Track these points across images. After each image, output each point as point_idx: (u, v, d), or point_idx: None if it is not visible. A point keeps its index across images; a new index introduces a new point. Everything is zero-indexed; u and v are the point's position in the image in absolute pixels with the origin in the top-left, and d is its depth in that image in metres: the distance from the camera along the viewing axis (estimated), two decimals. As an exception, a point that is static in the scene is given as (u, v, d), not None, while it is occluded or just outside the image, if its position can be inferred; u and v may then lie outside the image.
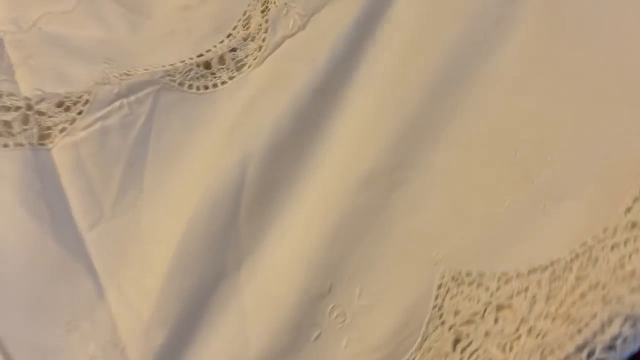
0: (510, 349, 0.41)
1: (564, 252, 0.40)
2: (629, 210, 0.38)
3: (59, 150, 0.47)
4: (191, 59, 0.50)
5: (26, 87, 0.48)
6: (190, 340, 0.43)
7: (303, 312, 0.44)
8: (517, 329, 0.41)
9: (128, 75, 0.51)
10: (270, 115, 0.47)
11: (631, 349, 0.38)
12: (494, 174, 0.44)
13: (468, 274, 0.43)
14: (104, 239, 0.46)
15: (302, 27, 0.50)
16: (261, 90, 0.49)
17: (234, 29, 0.51)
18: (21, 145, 0.46)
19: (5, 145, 0.45)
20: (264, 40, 0.51)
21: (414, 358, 0.44)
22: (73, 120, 0.47)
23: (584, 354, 0.38)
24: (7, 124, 0.46)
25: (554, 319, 0.40)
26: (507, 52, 0.47)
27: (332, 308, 0.44)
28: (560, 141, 0.44)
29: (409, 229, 0.45)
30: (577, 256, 0.40)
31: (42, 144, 0.47)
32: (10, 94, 0.46)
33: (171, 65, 0.51)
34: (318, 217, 0.47)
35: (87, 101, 0.48)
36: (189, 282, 0.44)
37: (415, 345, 0.44)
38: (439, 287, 0.44)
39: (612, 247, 0.38)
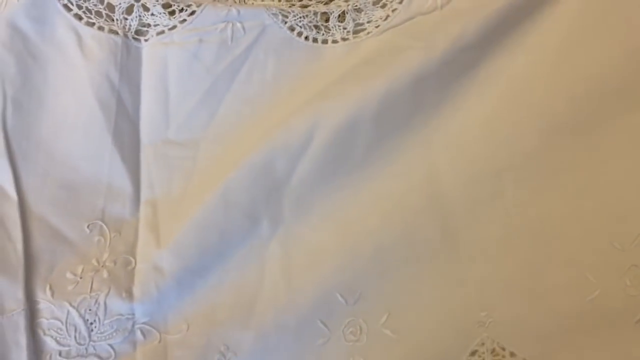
0: None
1: None
2: None
3: (150, 52, 0.45)
4: (310, 1, 0.45)
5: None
6: (199, 281, 0.40)
7: (320, 311, 0.39)
8: None
9: (245, 1, 0.47)
10: (361, 89, 0.41)
11: None
12: (594, 255, 0.35)
13: (512, 355, 0.35)
14: (159, 155, 0.44)
15: (441, 7, 0.43)
16: (366, 62, 0.43)
17: None
18: (116, 33, 0.44)
19: (101, 28, 0.44)
20: (394, 10, 0.45)
21: None
22: (173, 27, 0.45)
23: None
24: (111, 8, 0.44)
25: None
26: None
27: (350, 321, 0.39)
28: None
29: (468, 275, 0.38)
30: None
31: (136, 40, 0.45)
32: None
33: (290, 2, 0.47)
34: (374, 219, 0.40)
35: (193, 12, 0.45)
36: (216, 228, 0.41)
37: None
38: (473, 353, 0.36)
39: None
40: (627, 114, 0.38)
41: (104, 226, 0.41)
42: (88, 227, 0.41)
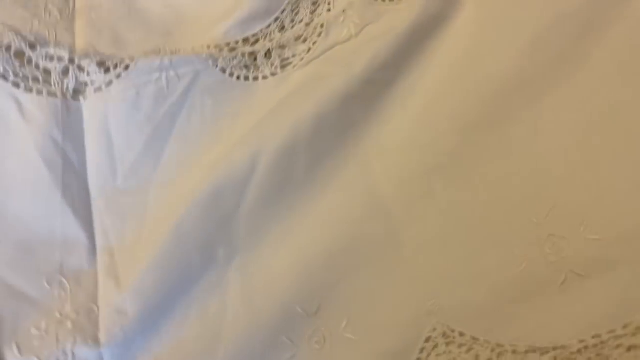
0: None
1: (571, 339, 0.34)
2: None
3: (90, 108, 0.47)
4: (237, 43, 0.49)
5: (80, 40, 0.49)
6: (162, 319, 0.41)
7: (284, 326, 0.41)
8: None
9: (176, 51, 0.51)
10: (294, 116, 0.44)
11: None
12: (517, 232, 0.38)
13: (461, 335, 0.38)
14: (110, 204, 0.45)
15: (355, 35, 0.47)
16: (296, 92, 0.47)
17: (282, 12, 0.49)
18: (55, 96, 0.46)
19: (39, 93, 0.46)
20: (314, 43, 0.49)
21: None
22: (110, 83, 0.47)
23: None
24: (47, 72, 0.46)
25: None
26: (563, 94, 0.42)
27: (314, 331, 0.41)
28: (603, 211, 0.38)
29: (413, 267, 0.41)
30: (585, 348, 0.34)
31: (75, 99, 0.47)
32: (59, 44, 0.47)
33: (218, 48, 0.50)
34: (323, 233, 0.43)
35: (127, 67, 0.48)
36: (176, 265, 0.42)
37: None
38: (427, 340, 0.39)
39: (630, 349, 0.32)
40: (528, 106, 0.42)
41: (63, 280, 0.42)
42: (47, 282, 0.42)
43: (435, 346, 0.39)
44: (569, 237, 0.37)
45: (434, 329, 0.39)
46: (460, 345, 0.38)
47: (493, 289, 0.38)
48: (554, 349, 0.35)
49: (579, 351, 0.34)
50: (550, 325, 0.36)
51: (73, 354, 0.40)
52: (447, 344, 0.39)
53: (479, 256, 0.39)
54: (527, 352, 0.36)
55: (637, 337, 0.32)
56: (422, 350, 0.39)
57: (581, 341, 0.34)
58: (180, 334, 0.41)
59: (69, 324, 0.41)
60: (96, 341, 0.41)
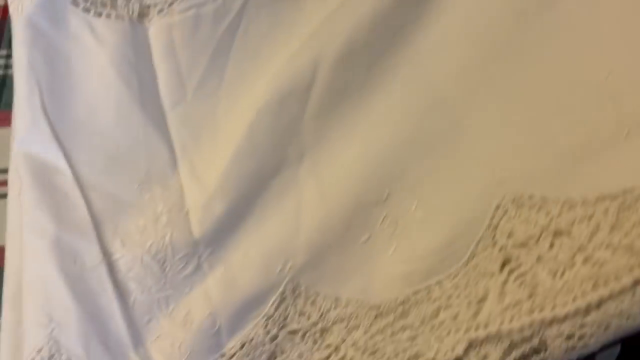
0: (562, 275, 0.38)
1: (639, 181, 0.36)
2: None
3: (155, 29, 0.50)
4: None
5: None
6: (246, 216, 0.45)
7: (356, 215, 0.44)
8: (573, 257, 0.38)
9: None
10: (350, 19, 0.46)
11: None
12: (579, 96, 0.40)
13: (530, 197, 0.40)
14: (183, 118, 0.49)
15: None
16: None
17: None
18: (122, 18, 0.49)
19: (108, 16, 0.49)
20: None
21: (458, 273, 0.42)
22: (171, 3, 0.50)
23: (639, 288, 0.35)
24: None
25: (615, 250, 0.36)
26: None
27: (385, 216, 0.44)
28: None
29: (478, 149, 0.43)
30: None
31: (140, 21, 0.50)
32: None
33: None
34: (387, 128, 0.46)
35: None
36: (252, 166, 0.46)
37: (462, 262, 0.42)
38: (497, 207, 0.41)
39: None
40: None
41: (152, 185, 0.46)
42: (138, 187, 0.46)
43: (506, 211, 0.41)
44: (629, 94, 0.39)
45: (503, 197, 0.41)
46: (530, 207, 0.40)
47: (559, 153, 0.40)
48: (623, 192, 0.37)
49: (647, 189, 0.36)
50: (617, 173, 0.38)
51: (172, 244, 0.44)
52: (518, 208, 0.41)
53: (543, 127, 0.41)
54: (597, 201, 0.38)
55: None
56: (493, 218, 0.41)
57: (650, 180, 0.36)
58: (262, 230, 0.45)
59: (164, 220, 0.45)
60: (190, 233, 0.44)
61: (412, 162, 0.44)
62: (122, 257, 0.44)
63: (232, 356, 0.44)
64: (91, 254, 0.43)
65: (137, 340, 0.43)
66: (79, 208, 0.44)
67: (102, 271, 0.42)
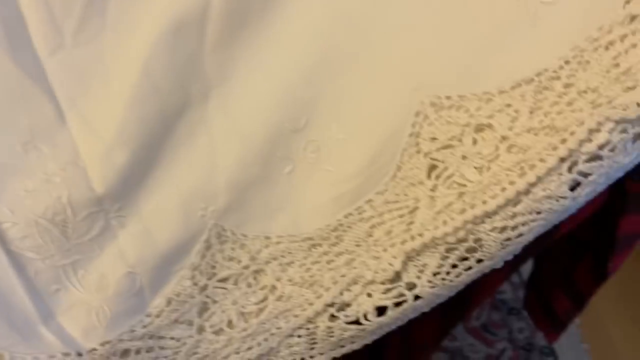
0: (488, 169, 0.37)
1: (552, 60, 0.35)
2: (628, 1, 0.32)
3: None
4: None
5: None
6: (154, 163, 0.40)
7: (276, 145, 0.40)
8: (497, 148, 0.37)
9: None
10: None
11: (620, 161, 0.34)
12: None
13: (448, 98, 0.39)
14: (65, 66, 0.43)
15: None
16: None
17: None
18: None
19: None
20: None
21: (387, 188, 0.41)
22: None
23: (565, 167, 0.34)
24: None
25: (537, 133, 0.35)
26: None
27: (306, 143, 0.41)
28: None
29: (388, 59, 0.40)
30: (566, 62, 0.35)
31: None
32: None
33: None
34: (293, 50, 0.42)
35: None
36: (153, 108, 0.41)
37: (389, 176, 0.40)
38: (417, 114, 0.40)
39: (607, 46, 0.33)
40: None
41: (38, 144, 0.41)
42: (21, 148, 0.40)
43: (426, 117, 0.39)
44: None
45: (422, 103, 0.39)
46: (449, 108, 0.39)
47: (469, 49, 0.38)
48: (537, 75, 0.36)
49: (560, 67, 0.35)
50: (528, 58, 0.36)
51: (71, 205, 0.39)
52: (437, 111, 0.39)
53: (448, 25, 0.39)
54: (512, 88, 0.37)
55: (612, 34, 0.33)
56: (414, 125, 0.40)
57: (561, 57, 0.35)
58: (175, 175, 0.40)
59: (57, 179, 0.40)
60: (91, 190, 0.40)
61: (325, 83, 0.41)
62: (13, 226, 0.38)
63: (159, 315, 0.40)
64: None
65: (46, 313, 0.39)
66: None
67: None
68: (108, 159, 0.40)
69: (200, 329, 0.41)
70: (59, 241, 0.38)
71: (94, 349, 0.39)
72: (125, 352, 0.40)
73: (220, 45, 0.42)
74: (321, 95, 0.41)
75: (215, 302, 0.41)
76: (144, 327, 0.40)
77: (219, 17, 0.41)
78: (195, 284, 0.40)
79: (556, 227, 0.41)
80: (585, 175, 0.34)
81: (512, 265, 0.48)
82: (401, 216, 0.40)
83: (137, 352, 0.40)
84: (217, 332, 0.41)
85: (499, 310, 1.30)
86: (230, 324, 0.41)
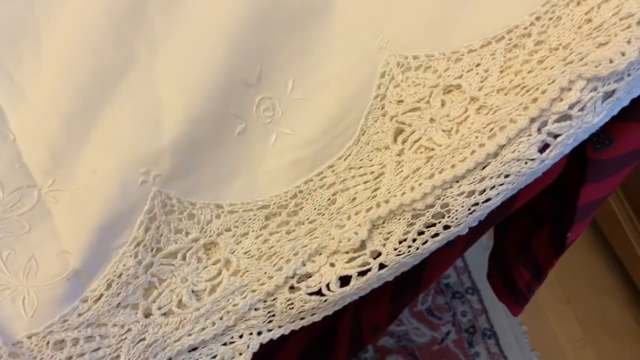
0: (457, 131, 0.36)
1: (523, 16, 0.34)
2: (599, -45, 0.32)
3: None
4: None
5: None
6: (90, 130, 0.35)
7: (226, 100, 0.36)
8: (466, 110, 0.35)
9: None
10: None
11: (589, 121, 0.33)
12: None
13: (415, 58, 0.37)
14: None
15: None
16: None
17: None
18: None
19: None
20: None
21: (351, 153, 0.38)
22: None
23: (535, 127, 0.33)
24: None
25: (507, 92, 0.34)
26: None
27: (260, 100, 0.37)
28: None
29: (351, 14, 0.37)
30: (537, 18, 0.34)
31: None
32: None
33: None
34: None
35: None
36: (88, 69, 0.36)
37: (353, 139, 0.38)
38: (382, 75, 0.37)
39: (579, 1, 0.32)
40: None
41: None
42: None
43: (392, 78, 0.37)
44: None
45: (387, 63, 0.37)
46: (416, 68, 0.37)
47: (436, 5, 0.37)
48: (508, 32, 0.35)
49: (531, 24, 0.34)
50: (498, 14, 0.35)
51: None
52: (404, 72, 0.37)
53: None
54: (482, 46, 0.35)
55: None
56: (379, 87, 0.38)
57: (533, 13, 0.34)
58: (113, 139, 0.36)
59: None
60: (21, 163, 0.34)
61: (282, 33, 0.37)
62: None
63: (98, 299, 0.35)
64: None
65: None
66: None
67: None
68: (40, 128, 0.35)
69: (147, 312, 0.37)
70: None
71: (20, 342, 0.34)
72: (60, 342, 0.35)
73: None
74: (277, 47, 0.37)
75: (162, 281, 0.37)
76: (80, 315, 0.35)
77: None
78: (139, 262, 0.36)
79: (515, 197, 0.40)
80: (555, 136, 0.33)
81: (469, 237, 0.48)
82: (365, 182, 0.38)
83: (74, 343, 0.35)
84: (167, 314, 0.37)
85: (444, 295, 1.32)
86: (180, 303, 0.36)
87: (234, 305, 0.37)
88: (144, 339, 0.36)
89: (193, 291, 0.37)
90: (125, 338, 0.36)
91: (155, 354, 0.36)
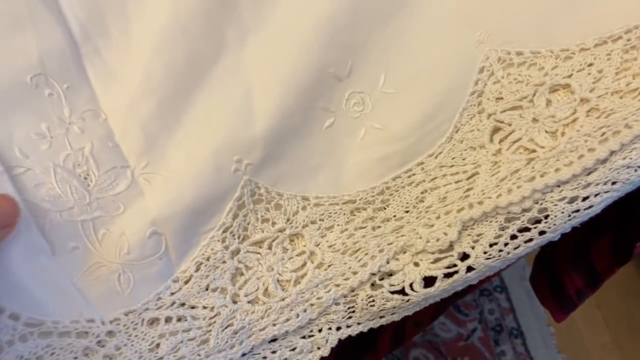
0: (563, 134, 0.34)
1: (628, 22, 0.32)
2: None
3: None
4: None
5: None
6: (182, 115, 0.35)
7: (316, 93, 0.35)
8: (574, 112, 0.34)
9: None
10: None
11: None
12: None
13: (519, 54, 0.35)
14: (84, 4, 0.36)
15: None
16: None
17: None
18: None
19: None
20: None
21: (442, 151, 0.37)
22: None
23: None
24: None
25: (623, 96, 0.32)
26: None
27: (350, 94, 0.36)
28: None
29: (448, 5, 0.36)
30: None
31: None
32: None
33: None
34: None
35: None
36: (182, 53, 0.35)
37: (446, 137, 0.37)
38: (481, 70, 0.36)
39: None
40: None
41: (50, 79, 0.34)
42: (31, 80, 0.34)
43: (492, 73, 0.36)
44: None
45: (487, 57, 0.36)
46: (519, 64, 0.35)
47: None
48: (626, 32, 0.33)
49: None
50: (616, 11, 0.33)
51: (94, 157, 0.33)
52: (505, 68, 0.35)
53: None
54: (596, 45, 0.33)
55: None
56: (477, 82, 0.36)
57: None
58: (207, 126, 0.35)
59: (76, 129, 0.33)
60: (115, 144, 0.34)
61: (375, 27, 0.36)
62: (27, 172, 0.32)
63: (188, 280, 0.35)
64: None
65: (62, 272, 0.33)
66: None
67: (5, 182, 0.31)
68: (133, 110, 0.34)
69: (235, 298, 0.36)
70: (78, 194, 0.33)
71: (117, 319, 0.34)
72: (154, 320, 0.35)
73: None
74: (369, 40, 0.36)
75: (249, 268, 0.36)
76: (172, 294, 0.35)
77: None
78: (226, 248, 0.35)
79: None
80: (672, 144, 0.32)
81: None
82: (457, 182, 0.36)
83: (167, 320, 0.35)
84: (253, 302, 0.36)
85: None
86: (266, 292, 0.36)
87: (318, 298, 0.36)
88: (231, 324, 0.35)
89: (278, 280, 0.36)
90: (215, 322, 0.35)
91: (241, 341, 0.35)
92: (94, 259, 0.34)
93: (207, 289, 0.35)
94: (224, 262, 0.36)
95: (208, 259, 0.35)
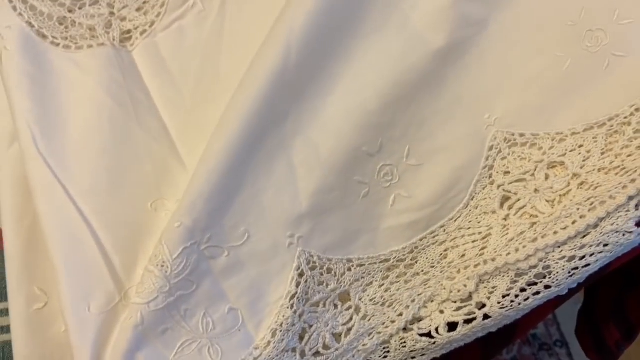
0: (559, 202, 0.40)
1: (623, 106, 0.39)
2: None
3: (140, 50, 0.46)
4: None
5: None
6: (236, 188, 0.40)
7: (352, 170, 0.42)
8: (568, 184, 0.40)
9: None
10: None
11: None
12: (556, 35, 0.42)
13: (521, 135, 0.42)
14: (186, 125, 0.45)
15: None
16: None
17: None
18: (104, 45, 0.45)
19: (90, 47, 0.45)
20: None
21: (460, 215, 0.44)
22: (152, 23, 0.47)
23: (633, 204, 0.37)
24: (92, 28, 0.45)
25: (607, 172, 0.39)
26: None
27: (380, 167, 0.43)
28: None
29: (462, 91, 0.43)
30: (637, 110, 0.38)
31: (123, 46, 0.46)
32: (95, 3, 0.45)
33: None
34: (371, 76, 0.42)
35: (163, 4, 0.47)
36: (246, 134, 0.40)
37: (463, 203, 0.44)
38: (490, 148, 0.43)
39: None
40: None
41: (164, 201, 0.42)
42: (151, 206, 0.42)
43: (499, 151, 0.43)
44: (604, 28, 0.41)
45: (495, 138, 0.43)
46: (522, 144, 0.42)
47: (544, 89, 0.41)
48: (609, 119, 0.39)
49: (631, 114, 0.38)
50: (601, 103, 0.40)
51: (165, 242, 0.38)
52: (510, 147, 0.42)
53: (525, 65, 0.42)
54: (585, 130, 0.40)
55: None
56: (487, 158, 0.43)
57: (633, 105, 0.38)
58: (259, 201, 0.41)
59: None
60: (182, 225, 0.38)
61: (400, 107, 0.42)
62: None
63: (267, 346, 0.40)
64: (105, 297, 0.38)
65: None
66: (89, 249, 0.39)
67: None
68: (193, 189, 0.38)
69: (302, 354, 0.41)
70: (160, 282, 0.37)
71: None
72: None
73: (302, 66, 0.41)
74: (395, 119, 0.42)
75: (310, 326, 0.42)
76: (255, 359, 0.40)
77: (297, 59, 0.40)
78: (294, 312, 0.40)
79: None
80: (652, 213, 0.37)
81: (564, 296, 0.51)
82: (474, 241, 0.43)
83: None
84: (315, 355, 0.41)
85: (530, 346, 1.29)
86: (325, 345, 0.42)
87: (364, 345, 0.43)
88: None
89: (332, 334, 0.42)
90: None
91: None
92: (182, 336, 0.38)
93: (283, 351, 0.40)
94: (294, 325, 0.41)
95: (281, 325, 0.40)
